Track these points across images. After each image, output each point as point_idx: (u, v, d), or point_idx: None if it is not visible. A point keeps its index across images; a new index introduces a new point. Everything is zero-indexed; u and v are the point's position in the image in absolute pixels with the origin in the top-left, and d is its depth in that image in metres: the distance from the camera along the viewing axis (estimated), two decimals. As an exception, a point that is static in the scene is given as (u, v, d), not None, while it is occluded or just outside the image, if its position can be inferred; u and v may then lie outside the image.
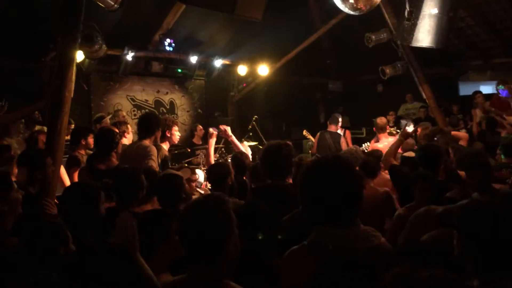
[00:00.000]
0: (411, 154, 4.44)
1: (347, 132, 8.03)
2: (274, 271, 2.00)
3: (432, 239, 2.11)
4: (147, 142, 4.47)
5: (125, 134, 5.54)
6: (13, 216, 2.46)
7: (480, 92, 8.71)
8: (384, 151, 4.96)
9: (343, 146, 7.30)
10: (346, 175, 1.82)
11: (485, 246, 1.59)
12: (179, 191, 3.19)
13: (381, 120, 6.85)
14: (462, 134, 6.20)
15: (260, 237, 2.38)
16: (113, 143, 4.16)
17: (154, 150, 4.38)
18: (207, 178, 3.72)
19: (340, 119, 7.67)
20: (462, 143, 5.86)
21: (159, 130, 4.71)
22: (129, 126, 5.73)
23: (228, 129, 5.34)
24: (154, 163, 4.27)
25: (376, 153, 4.92)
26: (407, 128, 4.77)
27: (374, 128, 7.15)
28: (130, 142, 5.46)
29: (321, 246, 1.75)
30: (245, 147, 5.61)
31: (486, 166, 3.37)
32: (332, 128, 7.56)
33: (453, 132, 6.50)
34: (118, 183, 3.11)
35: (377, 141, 6.83)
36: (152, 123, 4.63)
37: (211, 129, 5.36)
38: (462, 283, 1.24)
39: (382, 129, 6.75)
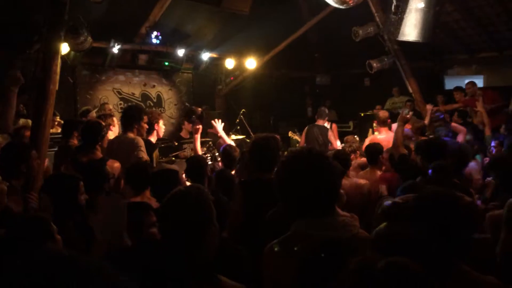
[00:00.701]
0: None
1: (334, 125, 8.06)
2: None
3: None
4: (132, 134, 4.48)
5: (111, 127, 5.50)
6: None
7: (459, 88, 8.86)
8: (384, 143, 5.06)
9: (331, 139, 7.34)
10: (321, 167, 1.83)
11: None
12: (176, 186, 3.18)
13: (383, 114, 6.91)
14: (461, 128, 6.24)
15: None
16: (99, 136, 4.14)
17: (141, 141, 4.39)
18: (185, 171, 3.72)
19: (327, 112, 7.72)
20: (461, 137, 5.90)
21: (142, 122, 4.70)
22: (114, 119, 5.69)
23: (219, 125, 5.34)
24: (144, 154, 4.29)
25: (377, 146, 4.96)
26: (404, 112, 4.85)
27: (374, 121, 7.20)
28: (116, 134, 5.43)
29: (303, 236, 1.77)
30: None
31: None
32: (320, 122, 7.59)
33: (453, 124, 6.57)
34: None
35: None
36: (135, 115, 4.64)
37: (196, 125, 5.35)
38: (417, 271, 1.26)
39: (384, 123, 6.77)
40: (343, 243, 1.64)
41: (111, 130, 5.54)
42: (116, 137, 4.92)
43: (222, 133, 5.42)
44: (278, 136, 3.43)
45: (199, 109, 6.66)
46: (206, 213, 1.71)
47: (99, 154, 4.08)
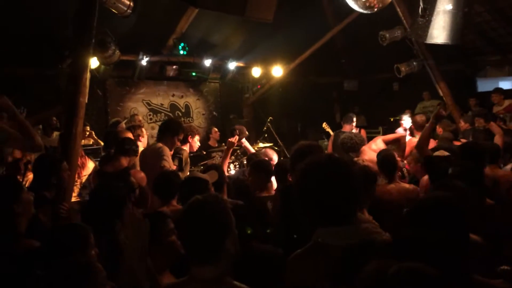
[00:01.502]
0: (443, 153, 4.22)
1: (362, 131, 7.93)
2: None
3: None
4: (160, 144, 4.60)
5: (140, 137, 5.61)
6: (26, 217, 2.50)
7: (498, 90, 8.56)
8: None
9: None
10: (340, 174, 1.80)
11: None
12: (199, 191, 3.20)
13: (420, 118, 6.76)
14: (498, 129, 6.03)
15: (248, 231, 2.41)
16: (124, 145, 4.21)
17: (166, 150, 4.49)
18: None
19: (354, 119, 7.59)
20: (498, 139, 5.70)
21: (176, 137, 4.79)
22: (143, 129, 5.81)
23: (247, 143, 5.60)
24: (167, 163, 4.38)
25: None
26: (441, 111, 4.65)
27: (412, 126, 7.06)
28: (145, 145, 5.55)
29: (324, 246, 1.74)
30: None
31: None
32: (346, 128, 7.49)
33: (492, 124, 6.31)
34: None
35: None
36: (170, 128, 4.75)
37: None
38: (431, 275, 1.23)
39: (421, 127, 6.61)
40: (365, 249, 1.62)
41: (140, 141, 5.65)
42: (147, 147, 5.02)
43: (245, 143, 5.49)
44: (319, 144, 3.43)
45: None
46: (224, 221, 1.71)
47: (124, 163, 4.16)
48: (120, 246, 2.36)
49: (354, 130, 7.55)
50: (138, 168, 4.79)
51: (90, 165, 5.15)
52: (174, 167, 4.57)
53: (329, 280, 1.53)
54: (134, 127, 5.65)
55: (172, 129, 4.76)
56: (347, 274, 1.48)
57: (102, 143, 6.50)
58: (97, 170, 4.18)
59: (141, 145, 5.52)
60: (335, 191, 1.76)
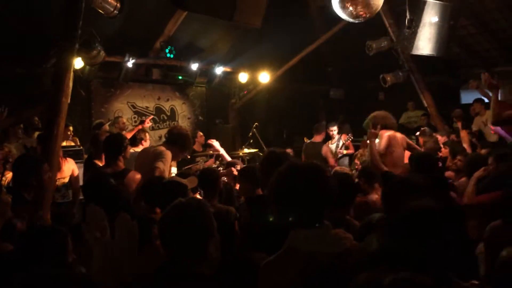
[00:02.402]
0: None
1: (344, 136, 7.90)
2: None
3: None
4: (164, 147, 4.50)
5: (142, 141, 5.62)
6: (2, 219, 2.44)
7: (479, 100, 8.66)
8: None
9: (327, 155, 7.34)
10: (314, 179, 1.85)
11: None
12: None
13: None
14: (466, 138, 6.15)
15: None
16: (122, 147, 4.17)
17: (167, 154, 4.41)
18: (199, 183, 3.72)
19: (333, 128, 7.70)
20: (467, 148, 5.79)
21: (183, 151, 4.74)
22: (147, 134, 5.81)
23: (215, 143, 5.51)
24: (162, 165, 4.31)
25: None
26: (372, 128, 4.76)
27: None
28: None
29: (297, 252, 1.74)
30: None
31: None
32: (316, 138, 7.61)
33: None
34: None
35: None
36: (180, 141, 4.64)
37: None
38: (426, 285, 1.24)
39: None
40: (338, 257, 1.62)
41: (142, 145, 5.65)
42: (150, 147, 4.98)
43: (221, 150, 5.49)
44: (290, 151, 3.44)
45: None
46: (205, 225, 1.69)
47: (121, 165, 4.12)
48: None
49: (337, 137, 7.60)
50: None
51: (67, 167, 5.06)
52: (167, 173, 4.54)
53: (300, 285, 1.52)
54: (139, 131, 5.68)
55: (181, 144, 4.65)
56: (321, 281, 1.48)
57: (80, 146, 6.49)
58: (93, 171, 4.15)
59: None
60: (308, 194, 1.81)
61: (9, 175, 4.50)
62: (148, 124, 6.98)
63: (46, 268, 1.88)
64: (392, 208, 2.24)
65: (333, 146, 7.61)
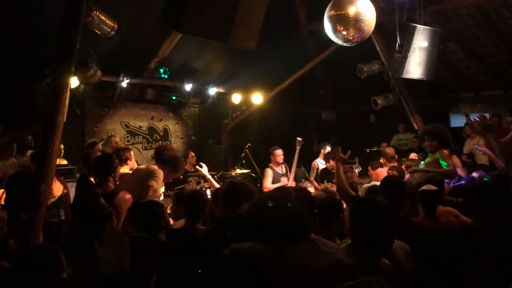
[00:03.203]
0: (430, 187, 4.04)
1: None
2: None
3: None
4: (156, 166, 4.61)
5: (128, 161, 5.62)
6: None
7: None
8: None
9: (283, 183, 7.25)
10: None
11: None
12: (159, 219, 3.16)
13: (390, 150, 6.92)
14: (458, 162, 6.22)
15: None
16: (111, 167, 4.19)
17: (160, 172, 4.50)
18: (185, 206, 3.75)
19: (279, 153, 7.52)
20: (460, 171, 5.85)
21: (175, 172, 4.82)
22: (131, 152, 5.80)
23: (204, 169, 5.65)
24: (156, 184, 4.38)
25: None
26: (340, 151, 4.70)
27: (381, 158, 7.16)
28: (132, 167, 5.62)
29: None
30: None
31: None
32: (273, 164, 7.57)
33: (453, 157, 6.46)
34: None
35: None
36: (172, 163, 4.74)
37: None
38: None
39: (392, 158, 6.75)
40: (324, 270, 1.68)
41: (127, 164, 5.65)
42: (142, 167, 5.01)
43: (208, 176, 5.58)
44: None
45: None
46: None
47: (111, 186, 4.13)
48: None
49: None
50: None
51: (57, 187, 5.02)
52: (159, 193, 4.57)
53: None
54: (123, 150, 5.68)
55: (174, 165, 4.74)
56: None
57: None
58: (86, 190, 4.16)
59: (127, 168, 5.54)
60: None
61: (0, 192, 4.48)
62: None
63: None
64: (358, 227, 2.39)
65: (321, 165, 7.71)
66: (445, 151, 5.19)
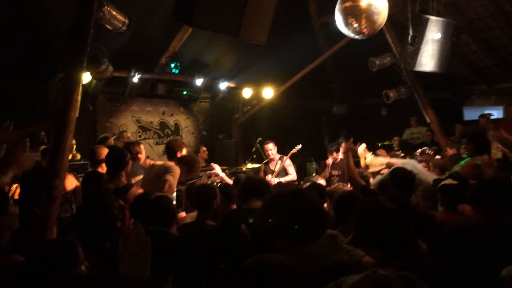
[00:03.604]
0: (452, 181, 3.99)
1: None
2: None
3: None
4: (172, 163, 4.72)
5: (138, 155, 5.65)
6: (10, 231, 2.46)
7: (485, 115, 8.69)
8: None
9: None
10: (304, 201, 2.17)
11: None
12: (173, 213, 3.21)
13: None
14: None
15: None
16: (123, 162, 4.21)
17: (177, 169, 4.57)
18: (193, 200, 3.77)
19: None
20: None
21: (190, 173, 4.91)
22: (142, 146, 5.84)
23: (217, 168, 5.96)
24: (172, 178, 4.43)
25: None
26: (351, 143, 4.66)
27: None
28: (142, 162, 5.71)
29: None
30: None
31: None
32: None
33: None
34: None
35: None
36: (187, 163, 4.82)
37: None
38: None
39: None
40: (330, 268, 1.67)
41: (138, 158, 5.69)
42: (154, 164, 5.06)
43: (222, 174, 5.68)
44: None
45: None
46: None
47: (124, 180, 4.16)
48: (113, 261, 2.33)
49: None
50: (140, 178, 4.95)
51: (69, 182, 5.03)
52: (174, 189, 4.63)
53: None
54: (133, 144, 5.71)
55: (190, 166, 4.81)
56: None
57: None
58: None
59: (139, 162, 5.61)
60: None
61: (14, 187, 4.52)
62: None
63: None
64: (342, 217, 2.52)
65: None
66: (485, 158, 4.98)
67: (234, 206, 3.72)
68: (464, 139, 5.28)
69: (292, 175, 7.32)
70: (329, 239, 2.10)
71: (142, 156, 5.77)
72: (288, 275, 1.67)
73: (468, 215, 3.71)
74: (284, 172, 7.33)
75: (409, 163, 5.41)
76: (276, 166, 7.35)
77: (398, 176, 4.04)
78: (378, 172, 5.85)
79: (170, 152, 5.17)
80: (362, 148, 6.26)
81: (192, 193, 4.04)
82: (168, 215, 3.13)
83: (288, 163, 7.36)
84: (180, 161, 4.78)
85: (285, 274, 1.67)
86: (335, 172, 7.32)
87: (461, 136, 5.62)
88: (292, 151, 7.41)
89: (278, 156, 7.43)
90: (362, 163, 6.32)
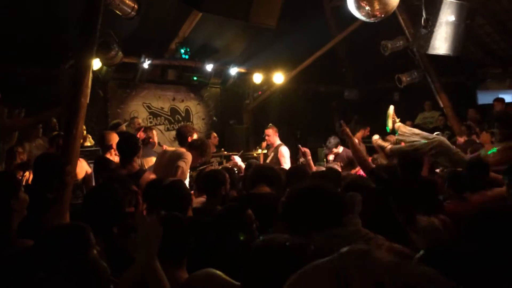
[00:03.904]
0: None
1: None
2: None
3: None
4: (184, 149, 4.75)
5: (150, 140, 5.69)
6: (19, 216, 2.48)
7: (500, 99, 8.56)
8: None
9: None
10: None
11: None
12: (189, 197, 3.24)
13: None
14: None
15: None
16: (136, 148, 4.23)
17: (189, 155, 4.59)
18: (201, 186, 3.79)
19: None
20: None
21: (201, 156, 4.91)
22: (154, 132, 5.88)
23: (238, 158, 5.92)
24: (184, 165, 4.46)
25: None
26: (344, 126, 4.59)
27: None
28: (154, 148, 5.80)
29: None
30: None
31: None
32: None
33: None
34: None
35: None
36: (198, 148, 4.84)
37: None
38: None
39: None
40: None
41: (150, 143, 5.73)
42: (169, 150, 5.08)
43: (242, 164, 5.71)
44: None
45: None
46: None
47: (136, 166, 4.19)
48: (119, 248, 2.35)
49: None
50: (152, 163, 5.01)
51: (80, 169, 5.03)
52: (187, 175, 4.65)
53: None
54: (146, 129, 5.75)
55: (202, 150, 4.83)
56: None
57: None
58: (109, 172, 4.21)
59: (151, 147, 5.67)
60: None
61: (27, 173, 4.57)
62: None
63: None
64: None
65: None
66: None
67: (234, 193, 3.75)
68: (497, 123, 5.27)
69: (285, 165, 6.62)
70: (352, 226, 2.10)
71: (154, 141, 5.83)
72: (295, 254, 1.66)
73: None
74: (277, 161, 6.73)
75: (437, 139, 5.40)
76: (270, 152, 6.99)
77: (406, 160, 4.04)
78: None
79: (181, 137, 5.17)
80: (391, 109, 6.18)
81: (201, 178, 4.05)
82: (183, 199, 3.15)
83: (282, 153, 6.76)
84: (191, 146, 4.80)
85: (292, 252, 1.67)
86: (338, 164, 7.19)
87: (495, 119, 5.57)
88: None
89: (278, 143, 6.96)
90: (390, 125, 6.23)
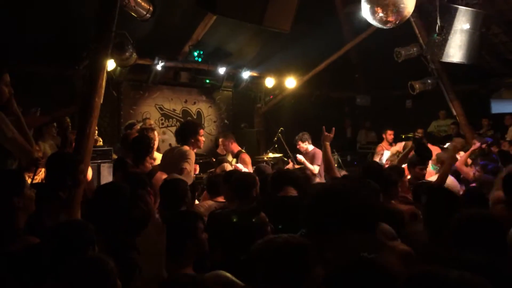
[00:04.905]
0: None
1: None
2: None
3: None
4: (187, 147, 4.69)
5: (152, 140, 5.69)
6: (25, 214, 2.49)
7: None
8: None
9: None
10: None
11: None
12: (183, 195, 3.29)
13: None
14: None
15: None
16: (149, 148, 4.28)
17: (192, 153, 4.59)
18: (232, 188, 3.73)
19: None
20: None
21: (199, 135, 4.90)
22: (155, 132, 5.89)
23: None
24: (189, 166, 4.44)
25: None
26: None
27: None
28: (155, 148, 5.68)
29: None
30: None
31: None
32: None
33: None
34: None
35: None
36: (190, 129, 4.86)
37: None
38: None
39: None
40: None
41: (152, 144, 5.74)
42: (171, 149, 5.10)
43: (243, 168, 5.71)
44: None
45: None
46: None
47: (148, 166, 4.22)
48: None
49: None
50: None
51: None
52: (194, 171, 4.65)
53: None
54: (147, 130, 5.73)
55: (191, 131, 4.83)
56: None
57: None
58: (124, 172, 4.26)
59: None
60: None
61: (41, 172, 4.62)
62: None
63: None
64: None
65: None
66: None
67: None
68: None
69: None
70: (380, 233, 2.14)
71: (155, 143, 5.82)
72: (296, 253, 1.67)
73: None
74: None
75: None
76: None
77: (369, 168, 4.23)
78: None
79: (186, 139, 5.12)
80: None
81: (232, 182, 3.98)
82: (178, 197, 3.21)
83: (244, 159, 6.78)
84: (186, 139, 4.79)
85: (294, 251, 1.68)
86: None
87: None
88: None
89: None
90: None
